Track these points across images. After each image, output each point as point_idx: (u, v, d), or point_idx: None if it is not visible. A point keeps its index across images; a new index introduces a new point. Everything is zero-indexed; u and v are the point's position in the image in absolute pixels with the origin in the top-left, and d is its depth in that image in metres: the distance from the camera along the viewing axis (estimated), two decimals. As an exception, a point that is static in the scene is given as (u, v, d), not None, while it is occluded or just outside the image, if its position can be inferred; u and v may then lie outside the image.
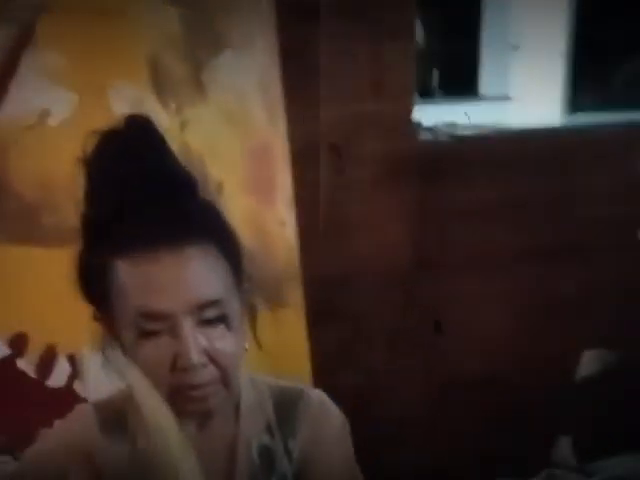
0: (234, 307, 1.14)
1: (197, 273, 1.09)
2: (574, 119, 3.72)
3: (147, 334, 1.08)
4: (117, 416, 1.21)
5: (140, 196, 1.09)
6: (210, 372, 1.11)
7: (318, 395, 1.31)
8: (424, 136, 2.89)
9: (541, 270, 3.06)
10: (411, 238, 2.78)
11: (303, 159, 2.44)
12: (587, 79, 4.19)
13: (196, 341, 1.08)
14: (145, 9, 2.18)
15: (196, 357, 1.07)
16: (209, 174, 2.22)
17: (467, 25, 3.64)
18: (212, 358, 1.10)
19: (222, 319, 1.11)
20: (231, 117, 2.27)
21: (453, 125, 2.98)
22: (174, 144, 1.98)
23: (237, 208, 2.13)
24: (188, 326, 1.08)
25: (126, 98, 2.13)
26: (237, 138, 2.28)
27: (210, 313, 1.10)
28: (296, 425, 1.26)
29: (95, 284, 1.13)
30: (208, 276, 1.10)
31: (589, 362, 2.85)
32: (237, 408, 1.24)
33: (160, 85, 2.20)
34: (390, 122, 2.74)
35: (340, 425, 1.30)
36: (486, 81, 3.68)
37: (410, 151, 2.79)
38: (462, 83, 3.73)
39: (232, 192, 2.23)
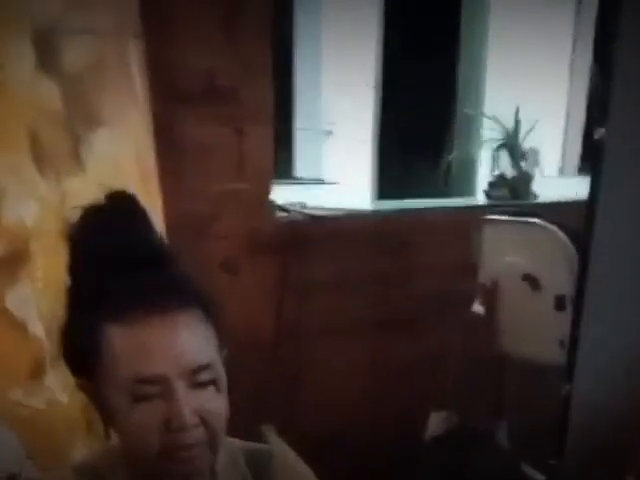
0: (221, 370, 1.19)
1: (189, 338, 1.14)
2: (382, 204, 3.99)
3: (140, 398, 1.11)
4: (97, 477, 1.23)
5: (125, 266, 1.14)
6: (200, 433, 1.14)
7: (287, 453, 1.38)
8: (280, 215, 3.11)
9: (388, 339, 3.34)
10: (274, 309, 2.97)
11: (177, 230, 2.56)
12: (393, 167, 4.54)
13: (189, 403, 1.12)
14: (25, 81, 2.23)
15: (189, 418, 1.11)
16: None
17: (281, 109, 3.59)
18: (203, 419, 1.14)
19: (213, 381, 1.16)
20: (109, 189, 2.39)
21: (303, 205, 3.22)
22: (53, 214, 2.08)
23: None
24: (182, 389, 1.12)
25: (5, 167, 2.17)
26: None
27: (203, 377, 1.14)
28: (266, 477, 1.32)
29: (82, 353, 1.15)
30: (199, 341, 1.16)
31: (436, 423, 3.09)
32: (212, 468, 1.25)
33: (40, 156, 2.24)
34: (251, 201, 2.94)
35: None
36: (301, 165, 3.84)
37: (269, 228, 3.00)
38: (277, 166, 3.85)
39: None
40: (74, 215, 1.22)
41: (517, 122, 4.19)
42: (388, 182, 4.43)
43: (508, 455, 3.07)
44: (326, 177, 4.15)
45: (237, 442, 1.35)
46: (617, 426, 2.03)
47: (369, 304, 3.35)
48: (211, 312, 1.19)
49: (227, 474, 1.29)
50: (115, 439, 1.20)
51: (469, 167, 4.72)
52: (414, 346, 3.43)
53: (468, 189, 4.72)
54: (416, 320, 3.45)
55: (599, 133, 2.35)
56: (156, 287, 1.15)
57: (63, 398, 2.24)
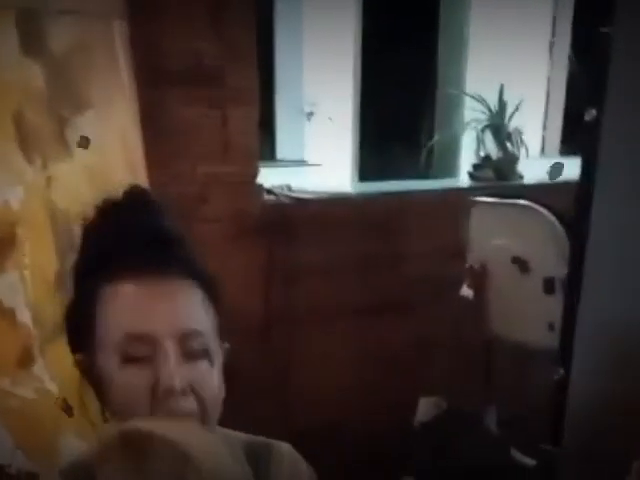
0: (216, 348, 1.20)
1: (183, 303, 1.17)
2: (364, 186, 4.01)
3: (131, 360, 1.12)
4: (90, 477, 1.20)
5: (133, 239, 1.18)
6: (190, 403, 1.14)
7: (288, 449, 1.36)
8: (267, 197, 3.10)
9: (376, 324, 3.35)
10: (262, 292, 2.97)
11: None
12: (375, 149, 4.55)
13: (179, 369, 1.12)
14: (9, 64, 2.19)
15: (178, 381, 1.11)
16: (75, 230, 2.32)
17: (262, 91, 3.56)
18: (194, 389, 1.14)
19: (205, 354, 1.16)
20: (95, 173, 2.33)
21: (289, 187, 3.21)
22: (39, 199, 2.06)
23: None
24: (172, 352, 1.12)
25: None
26: (101, 194, 2.38)
27: (194, 343, 1.15)
28: (270, 476, 1.30)
29: (82, 320, 1.18)
30: (193, 309, 1.18)
31: (425, 408, 3.11)
32: None
33: (25, 141, 2.21)
34: (237, 183, 2.94)
35: (309, 477, 1.36)
36: (282, 146, 3.84)
37: (256, 211, 3.01)
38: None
39: None
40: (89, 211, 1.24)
41: (502, 102, 4.19)
42: (370, 164, 4.44)
43: (497, 440, 3.10)
44: (308, 159, 4.14)
45: (236, 434, 1.34)
46: (619, 410, 2.05)
47: (357, 288, 3.36)
48: (213, 294, 1.22)
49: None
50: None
51: (452, 148, 4.74)
52: (402, 330, 3.45)
53: (451, 170, 4.74)
54: (404, 304, 3.46)
55: (590, 114, 2.36)
56: (158, 255, 1.17)
57: (52, 387, 2.23)
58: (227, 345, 1.25)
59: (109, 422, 1.21)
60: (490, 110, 4.19)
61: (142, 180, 2.43)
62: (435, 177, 4.67)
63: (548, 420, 2.55)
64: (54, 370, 2.23)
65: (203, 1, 2.81)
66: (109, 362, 1.14)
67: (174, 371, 1.11)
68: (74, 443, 2.11)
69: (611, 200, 2.19)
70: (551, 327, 2.80)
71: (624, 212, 2.19)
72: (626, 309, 2.17)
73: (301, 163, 4.06)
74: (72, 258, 2.33)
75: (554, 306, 2.77)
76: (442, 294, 3.15)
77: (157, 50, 2.72)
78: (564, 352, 2.38)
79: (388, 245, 3.45)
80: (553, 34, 5.47)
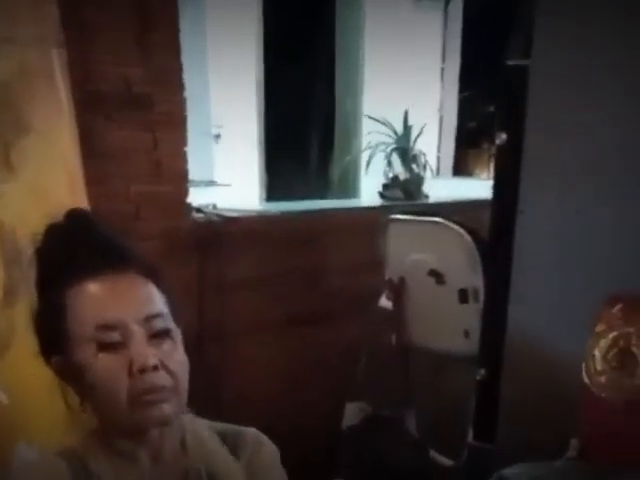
0: (176, 329, 1.36)
1: (142, 292, 1.35)
2: (271, 206, 4.18)
3: (105, 347, 1.29)
4: (80, 462, 1.36)
5: (84, 250, 1.34)
6: (163, 377, 1.30)
7: (253, 432, 1.50)
8: (196, 215, 3.28)
9: (302, 334, 3.56)
10: (194, 309, 3.13)
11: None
12: (280, 167, 4.74)
13: (148, 347, 1.30)
14: None
15: (150, 358, 1.28)
16: (21, 247, 2.43)
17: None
18: (164, 365, 1.30)
19: (167, 333, 1.34)
20: (39, 192, 2.44)
21: (214, 206, 3.40)
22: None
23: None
24: (139, 333, 1.30)
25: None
26: (45, 211, 2.47)
27: (157, 324, 1.32)
28: (238, 454, 1.45)
29: (51, 325, 1.34)
30: (151, 296, 1.35)
31: (351, 413, 3.28)
32: (184, 442, 1.42)
33: None
34: (168, 202, 3.12)
35: (274, 454, 1.50)
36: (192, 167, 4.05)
37: (187, 228, 3.19)
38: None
39: None
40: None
41: (407, 126, 4.44)
42: (276, 184, 4.63)
43: (417, 442, 3.28)
44: (217, 179, 4.31)
45: (208, 422, 1.51)
46: (553, 398, 2.25)
47: (283, 301, 3.57)
48: (161, 284, 1.38)
49: (198, 447, 1.43)
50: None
51: (353, 169, 4.97)
52: (328, 340, 3.67)
53: (352, 191, 4.97)
54: (328, 316, 3.69)
55: (500, 138, 2.62)
56: (111, 257, 1.35)
57: (3, 398, 2.33)
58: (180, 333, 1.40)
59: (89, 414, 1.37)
60: (396, 133, 4.44)
61: (82, 199, 2.55)
62: (337, 197, 4.89)
63: (466, 421, 2.78)
64: (4, 381, 2.34)
65: (131, 28, 2.98)
66: (85, 355, 1.30)
67: (145, 350, 1.29)
68: (26, 450, 2.22)
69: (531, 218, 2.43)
70: (466, 334, 3.03)
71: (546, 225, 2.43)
72: (549, 317, 2.40)
73: (211, 183, 4.22)
74: (19, 274, 2.48)
75: (468, 315, 3.01)
76: (362, 305, 3.34)
77: (91, 76, 2.89)
78: (486, 354, 2.62)
79: (311, 260, 3.68)
80: (443, 61, 5.79)
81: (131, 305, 1.33)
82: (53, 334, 1.35)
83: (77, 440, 1.43)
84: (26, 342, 2.30)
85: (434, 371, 3.34)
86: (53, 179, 2.52)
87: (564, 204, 2.41)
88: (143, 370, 1.28)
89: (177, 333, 1.37)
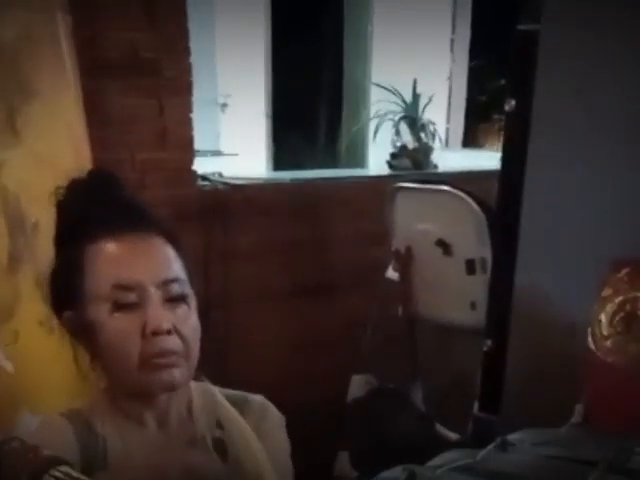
0: (191, 294, 1.40)
1: (161, 256, 1.38)
2: (279, 175, 4.21)
3: (120, 307, 1.32)
4: (85, 423, 1.37)
5: (107, 208, 1.38)
6: (175, 342, 1.33)
7: (260, 398, 1.54)
8: (202, 183, 3.28)
9: (309, 304, 3.58)
10: (199, 277, 3.13)
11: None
12: (287, 139, 4.74)
13: (164, 311, 1.32)
14: None
15: (164, 321, 1.31)
16: (25, 213, 2.44)
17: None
18: (177, 330, 1.33)
19: (183, 298, 1.37)
20: (43, 158, 2.45)
21: (220, 175, 3.40)
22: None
23: (52, 245, 2.32)
24: (156, 296, 1.32)
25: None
26: (49, 178, 2.43)
27: (174, 289, 1.35)
28: (244, 420, 1.47)
29: (67, 281, 1.38)
30: (170, 260, 1.38)
31: (357, 385, 3.30)
32: (191, 408, 1.44)
33: None
34: (174, 170, 3.13)
35: (280, 421, 1.54)
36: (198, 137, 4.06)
37: (192, 196, 3.19)
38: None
39: (47, 229, 2.41)
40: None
41: (415, 95, 4.43)
42: (283, 153, 4.63)
43: (422, 415, 3.28)
44: (224, 149, 4.30)
45: (215, 388, 1.53)
46: (559, 367, 2.25)
47: (289, 271, 3.59)
48: (179, 249, 1.42)
49: (203, 413, 1.45)
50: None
51: (360, 138, 4.96)
52: (334, 311, 3.69)
53: (360, 160, 4.96)
54: (334, 286, 3.70)
55: (510, 105, 2.61)
56: (132, 218, 1.39)
57: (7, 365, 2.35)
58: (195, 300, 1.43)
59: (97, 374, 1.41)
60: (405, 102, 4.43)
61: (86, 166, 2.50)
62: (345, 167, 4.89)
63: (472, 394, 2.78)
64: (8, 349, 2.36)
65: (139, -2, 2.97)
66: (100, 313, 1.33)
67: (160, 313, 1.32)
68: (30, 419, 2.24)
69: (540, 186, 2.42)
70: (473, 306, 3.03)
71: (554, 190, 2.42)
72: (555, 285, 2.40)
73: (217, 153, 4.22)
74: (23, 240, 2.48)
75: (476, 286, 3.01)
76: (369, 276, 3.37)
77: (96, 41, 2.89)
78: (492, 325, 2.62)
79: (318, 229, 3.69)
80: (453, 31, 5.76)
81: (150, 268, 1.35)
82: (68, 290, 1.38)
83: (83, 403, 1.45)
84: (30, 310, 2.34)
85: (440, 343, 3.35)
86: (58, 146, 2.53)
87: (573, 171, 2.40)
88: (156, 333, 1.31)
89: (192, 299, 1.40)
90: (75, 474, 0.99)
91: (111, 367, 1.36)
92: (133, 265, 1.35)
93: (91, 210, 1.37)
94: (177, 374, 1.34)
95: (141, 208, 1.43)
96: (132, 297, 1.33)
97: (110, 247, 1.35)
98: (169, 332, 1.32)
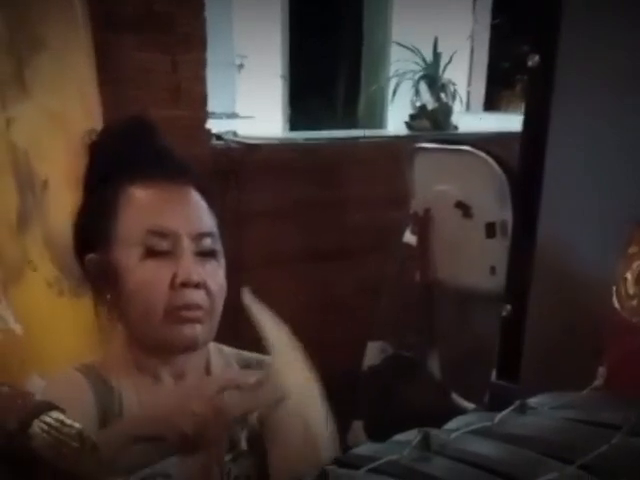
0: (221, 250, 1.41)
1: (196, 208, 1.39)
2: (296, 135, 4.18)
3: (152, 254, 1.33)
4: (100, 377, 1.37)
5: (145, 154, 1.39)
6: (202, 296, 1.34)
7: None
8: (216, 143, 3.26)
9: (323, 268, 3.56)
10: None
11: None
12: (304, 100, 4.71)
13: (194, 264, 1.33)
14: None
15: (194, 274, 1.32)
16: (35, 171, 2.44)
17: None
18: (205, 284, 1.34)
19: (214, 254, 1.38)
20: (53, 115, 2.46)
21: (235, 134, 3.38)
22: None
23: (62, 204, 2.28)
24: (189, 248, 1.33)
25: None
26: (59, 135, 2.46)
27: (206, 243, 1.36)
28: None
29: (98, 223, 1.37)
30: (204, 213, 1.39)
31: (372, 353, 3.30)
32: (208, 368, 1.45)
33: None
34: (187, 127, 3.08)
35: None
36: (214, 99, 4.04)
37: (206, 155, 3.15)
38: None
39: (57, 188, 2.41)
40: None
41: (436, 54, 4.39)
42: (300, 115, 4.60)
43: (438, 384, 3.28)
44: (239, 111, 4.27)
45: (230, 349, 1.54)
46: (581, 330, 2.23)
47: (304, 234, 3.58)
48: (212, 202, 1.43)
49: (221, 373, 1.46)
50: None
51: (380, 98, 4.92)
52: (349, 276, 3.68)
53: (379, 120, 4.92)
54: (351, 250, 3.67)
55: (533, 60, 2.56)
56: (169, 166, 1.40)
57: (17, 327, 2.35)
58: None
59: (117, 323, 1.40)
60: (425, 61, 4.39)
61: (97, 122, 2.52)
62: (363, 127, 4.85)
63: (490, 361, 2.76)
64: (18, 311, 2.36)
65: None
66: (129, 257, 1.34)
67: (191, 265, 1.33)
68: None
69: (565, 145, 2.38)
70: (493, 270, 3.00)
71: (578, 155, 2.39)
72: (579, 244, 2.37)
73: (233, 116, 4.19)
74: (32, 198, 2.48)
75: (495, 250, 2.98)
76: (386, 240, 3.35)
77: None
78: (512, 290, 2.59)
79: (334, 191, 3.66)
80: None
81: (186, 218, 1.36)
82: (96, 232, 1.38)
83: (95, 359, 1.45)
84: (40, 271, 2.34)
85: (458, 309, 3.32)
86: (67, 101, 2.52)
87: (598, 129, 2.36)
88: (185, 285, 1.32)
89: (221, 256, 1.40)
90: (67, 420, 0.97)
91: (133, 317, 1.36)
92: (170, 213, 1.36)
93: (129, 154, 1.38)
94: (199, 330, 1.35)
95: (179, 159, 1.44)
96: (165, 245, 1.33)
97: (148, 192, 1.37)
98: (197, 286, 1.33)
